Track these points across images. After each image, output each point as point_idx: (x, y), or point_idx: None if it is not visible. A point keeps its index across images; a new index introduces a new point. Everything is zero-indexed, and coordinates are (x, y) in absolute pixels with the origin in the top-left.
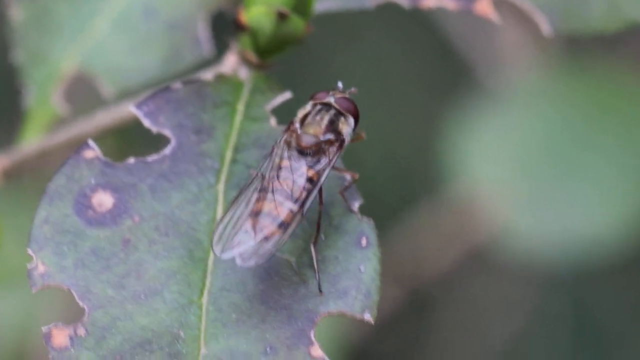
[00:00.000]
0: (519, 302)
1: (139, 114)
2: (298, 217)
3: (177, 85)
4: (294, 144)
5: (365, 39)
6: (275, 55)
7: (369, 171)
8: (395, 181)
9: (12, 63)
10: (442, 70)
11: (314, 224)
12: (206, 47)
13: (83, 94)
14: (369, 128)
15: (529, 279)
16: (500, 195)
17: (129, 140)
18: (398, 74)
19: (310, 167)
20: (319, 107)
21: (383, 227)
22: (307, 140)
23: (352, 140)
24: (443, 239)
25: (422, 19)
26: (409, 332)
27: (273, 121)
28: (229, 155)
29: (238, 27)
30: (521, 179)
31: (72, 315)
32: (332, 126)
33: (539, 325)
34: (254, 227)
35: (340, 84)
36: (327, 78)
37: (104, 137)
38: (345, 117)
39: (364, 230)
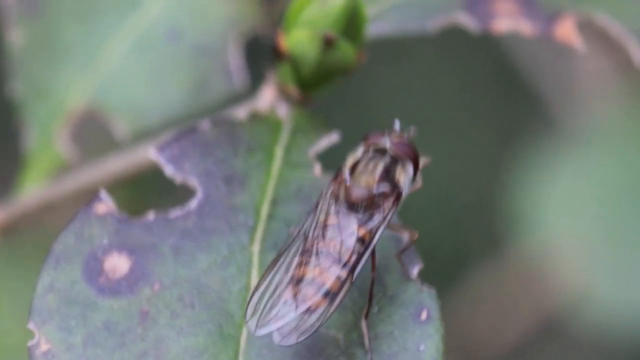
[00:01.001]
0: None
1: (160, 159)
2: (347, 285)
3: (204, 125)
4: (342, 197)
5: (421, 68)
6: (320, 88)
7: (420, 223)
8: (452, 235)
9: (11, 97)
10: (509, 103)
11: (366, 293)
12: (239, 77)
13: (93, 134)
14: (423, 171)
15: (611, 355)
16: (577, 253)
17: (147, 192)
18: (456, 107)
19: (361, 225)
20: (372, 152)
21: (442, 293)
22: (358, 193)
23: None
24: (509, 305)
25: (485, 41)
26: None
27: (318, 168)
28: (265, 209)
29: (276, 55)
30: (602, 234)
31: None
32: (388, 176)
33: None
34: (295, 297)
35: (397, 124)
36: (382, 116)
37: (117, 186)
38: (403, 164)
39: (424, 301)
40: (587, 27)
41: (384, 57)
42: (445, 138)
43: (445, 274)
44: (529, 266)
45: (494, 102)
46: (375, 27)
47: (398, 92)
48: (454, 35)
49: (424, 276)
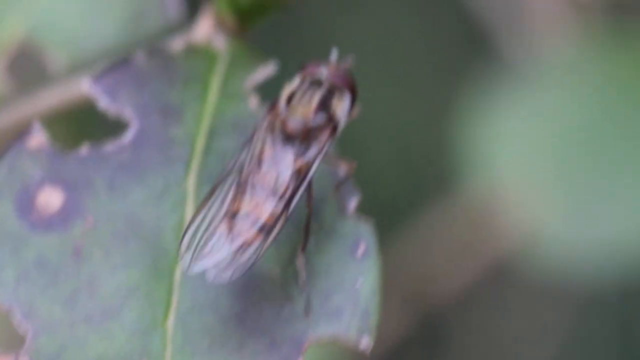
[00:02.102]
0: (551, 326)
1: (94, 91)
2: (282, 219)
3: (139, 57)
4: (278, 128)
5: (368, 2)
6: (258, 19)
7: (371, 165)
8: (403, 177)
9: None
10: (459, 41)
11: (302, 227)
12: (173, 8)
13: (27, 67)
14: (371, 112)
15: (563, 299)
16: (527, 195)
17: (81, 124)
18: (406, 45)
19: (298, 156)
20: (308, 82)
21: (388, 234)
22: (294, 124)
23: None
24: (459, 249)
25: None
26: None
27: (255, 100)
28: (201, 142)
29: None
30: (553, 175)
31: (13, 339)
32: (325, 106)
33: (577, 354)
34: (229, 231)
35: (334, 53)
36: (320, 48)
37: (52, 120)
38: (340, 94)
39: (362, 235)
40: None
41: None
42: (394, 76)
43: (394, 218)
44: (479, 208)
45: (444, 40)
46: None
47: (345, 30)
48: None
49: (372, 216)
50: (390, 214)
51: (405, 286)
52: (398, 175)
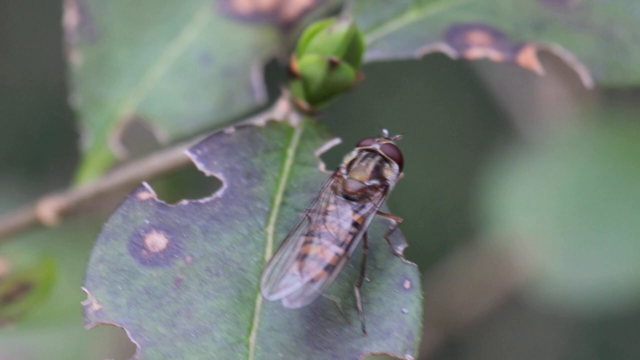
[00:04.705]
0: (551, 347)
1: (193, 157)
2: (343, 260)
3: (230, 130)
4: (340, 189)
5: (408, 88)
6: (325, 102)
7: (406, 219)
8: (433, 230)
9: (72, 106)
10: (482, 121)
11: (359, 266)
12: (259, 93)
13: (139, 137)
14: (408, 176)
15: (560, 324)
16: (536, 243)
17: (181, 185)
18: (438, 123)
19: (355, 211)
20: (364, 153)
21: (420, 271)
22: (353, 186)
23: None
24: (479, 285)
25: (464, 70)
26: None
27: (322, 166)
28: (278, 198)
29: (290, 75)
30: (556, 228)
31: (120, 354)
32: (377, 172)
33: None
34: (300, 269)
35: (385, 131)
36: (373, 125)
37: (157, 180)
38: (390, 163)
39: (408, 273)
40: (547, 57)
41: (380, 81)
42: (427, 147)
43: (427, 261)
44: (497, 254)
45: (470, 119)
46: (371, 54)
47: (391, 110)
48: (436, 66)
49: (408, 257)
50: (422, 260)
51: (435, 316)
52: (429, 229)
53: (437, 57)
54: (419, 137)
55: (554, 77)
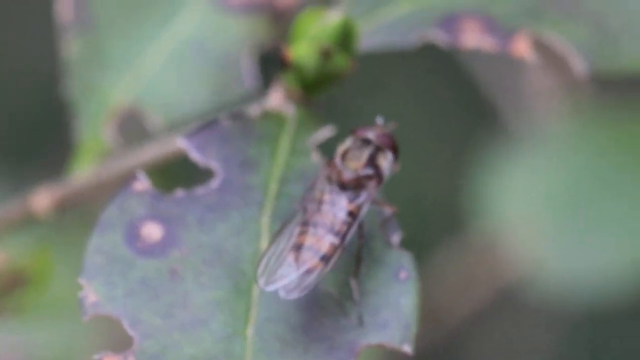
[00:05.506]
0: (543, 340)
1: (188, 147)
2: (339, 250)
3: (224, 120)
4: (334, 178)
5: (399, 81)
6: (319, 91)
7: (397, 216)
8: (422, 222)
9: (61, 96)
10: (472, 113)
11: (355, 257)
12: (251, 82)
13: (128, 127)
14: (402, 172)
15: (552, 318)
16: (527, 236)
17: (176, 175)
18: (427, 116)
19: (350, 201)
20: (359, 142)
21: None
22: (347, 175)
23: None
24: (469, 280)
25: (455, 62)
26: None
27: (316, 155)
28: (273, 188)
29: (283, 64)
30: (549, 219)
31: (116, 345)
32: (372, 161)
33: None
34: (296, 260)
35: (379, 120)
36: (367, 114)
37: (152, 170)
38: (384, 152)
39: (403, 263)
40: (538, 49)
41: (373, 73)
42: (418, 144)
43: (417, 254)
44: (488, 247)
45: (459, 115)
46: (365, 42)
47: (384, 100)
48: (427, 58)
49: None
50: (416, 255)
51: (426, 310)
52: (419, 221)
53: (428, 50)
54: (408, 130)
55: (545, 69)
